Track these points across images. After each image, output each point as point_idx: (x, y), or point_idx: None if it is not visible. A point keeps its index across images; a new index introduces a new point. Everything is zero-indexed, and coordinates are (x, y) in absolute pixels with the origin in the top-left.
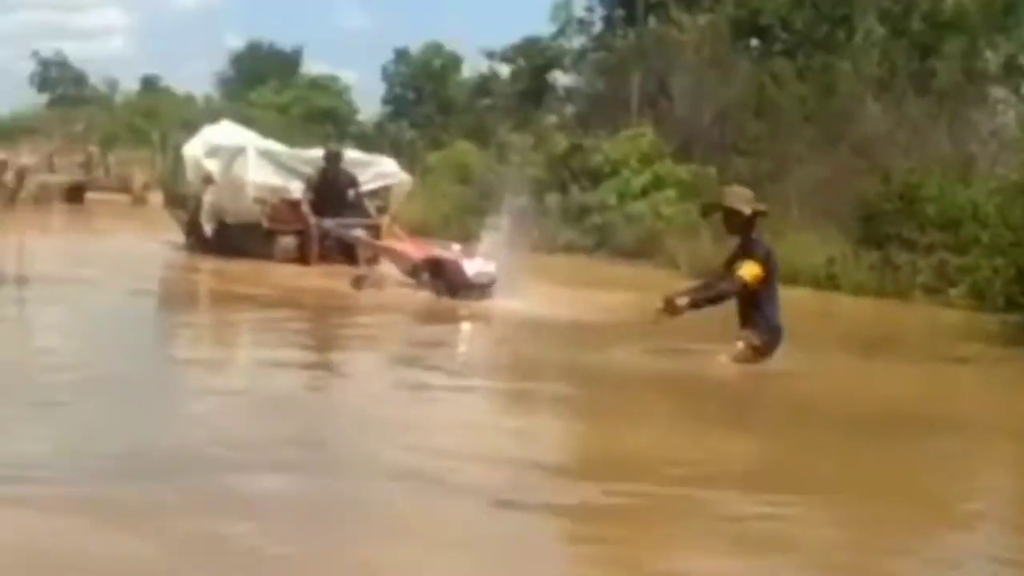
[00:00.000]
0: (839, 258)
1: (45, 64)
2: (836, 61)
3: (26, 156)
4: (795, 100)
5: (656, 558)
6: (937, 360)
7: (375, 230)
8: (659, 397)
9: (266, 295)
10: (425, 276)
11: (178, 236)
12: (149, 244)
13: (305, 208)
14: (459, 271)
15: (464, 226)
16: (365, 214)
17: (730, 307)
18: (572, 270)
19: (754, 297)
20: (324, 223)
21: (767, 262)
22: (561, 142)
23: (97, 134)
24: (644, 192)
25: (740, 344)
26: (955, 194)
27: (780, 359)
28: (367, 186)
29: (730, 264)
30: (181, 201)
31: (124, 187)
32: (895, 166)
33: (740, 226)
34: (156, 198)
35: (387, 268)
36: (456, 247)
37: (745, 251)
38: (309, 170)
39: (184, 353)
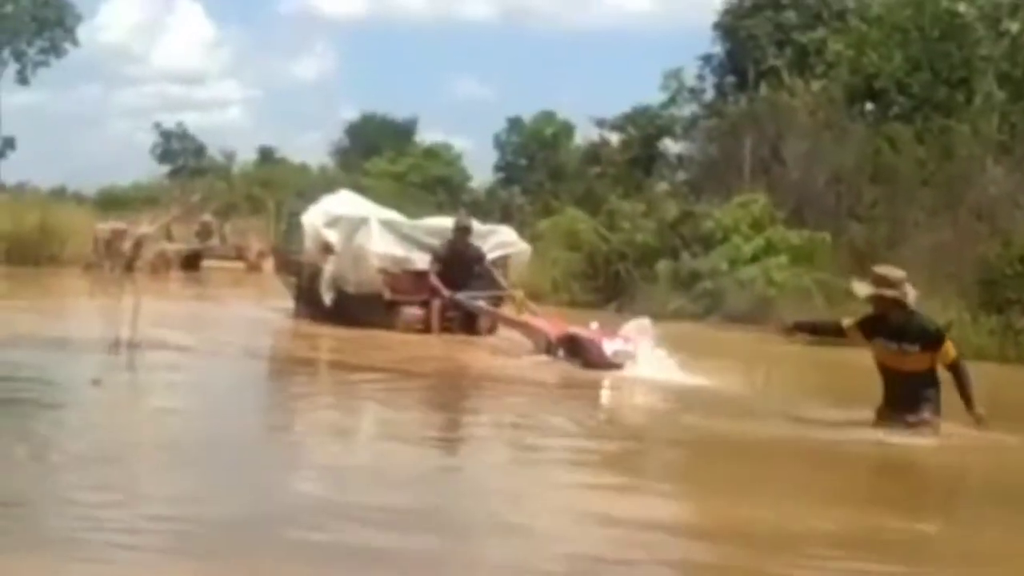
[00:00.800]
0: (957, 322)
1: (166, 135)
2: (954, 124)
3: (144, 225)
4: (912, 164)
5: None
6: None
7: (498, 302)
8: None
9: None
10: (560, 353)
11: (288, 302)
12: (261, 311)
13: (434, 280)
14: (598, 350)
15: (571, 291)
16: (496, 286)
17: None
18: (691, 338)
19: (933, 376)
20: (456, 295)
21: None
22: (672, 208)
23: (214, 204)
24: (755, 258)
25: (927, 421)
26: None
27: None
28: (488, 256)
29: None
30: (294, 268)
31: (240, 255)
32: (1016, 230)
33: (897, 307)
34: (271, 266)
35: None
36: (594, 325)
37: (912, 324)
38: (431, 240)
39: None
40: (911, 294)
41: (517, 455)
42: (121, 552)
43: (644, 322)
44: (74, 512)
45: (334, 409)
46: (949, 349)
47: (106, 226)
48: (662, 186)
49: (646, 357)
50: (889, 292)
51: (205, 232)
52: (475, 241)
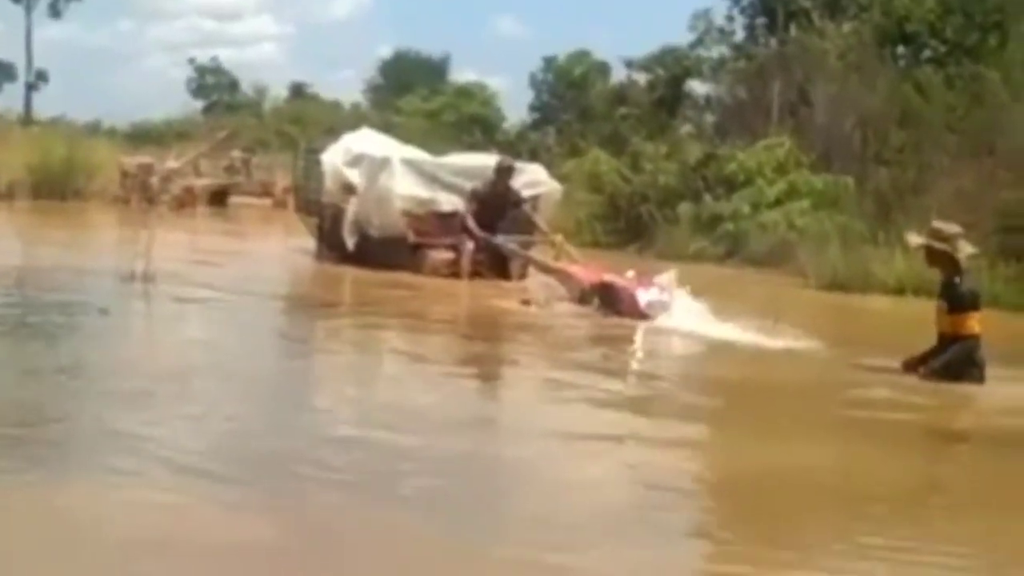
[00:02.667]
0: (975, 268)
1: (201, 71)
2: (986, 70)
3: (172, 160)
4: (941, 109)
5: None
6: None
7: (529, 246)
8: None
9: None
10: (596, 302)
11: (310, 243)
12: (283, 250)
13: (470, 221)
14: (632, 300)
15: (594, 233)
16: (533, 230)
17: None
18: (713, 281)
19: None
20: (495, 239)
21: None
22: (695, 151)
23: (243, 139)
24: (778, 201)
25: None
26: None
27: None
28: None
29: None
30: (315, 208)
31: (266, 191)
32: None
33: (947, 262)
34: None
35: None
36: (631, 274)
37: (951, 283)
38: (457, 180)
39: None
40: (964, 251)
41: (546, 399)
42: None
43: (672, 275)
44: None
45: (347, 346)
46: (970, 321)
47: (132, 160)
48: (686, 128)
49: (682, 308)
50: (939, 245)
51: (233, 168)
52: None
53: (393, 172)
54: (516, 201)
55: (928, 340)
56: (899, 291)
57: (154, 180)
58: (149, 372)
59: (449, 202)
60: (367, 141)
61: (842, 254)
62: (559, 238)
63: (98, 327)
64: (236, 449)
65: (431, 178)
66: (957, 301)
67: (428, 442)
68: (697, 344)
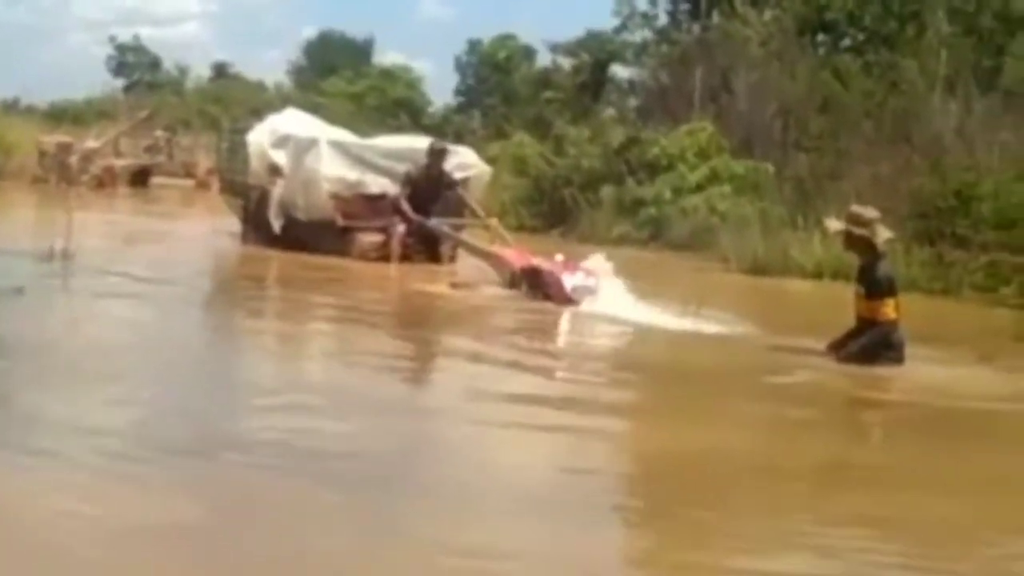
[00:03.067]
0: (890, 253)
1: (122, 49)
2: (903, 59)
3: (92, 140)
4: (859, 96)
5: None
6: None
7: (460, 229)
8: None
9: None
10: (524, 286)
11: (234, 224)
12: (204, 230)
13: (404, 204)
14: (558, 285)
15: (519, 216)
16: (467, 213)
17: None
18: (640, 265)
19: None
20: (429, 222)
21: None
22: (618, 135)
23: (165, 119)
24: (700, 187)
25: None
26: (1011, 193)
27: None
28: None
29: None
30: (240, 189)
31: (188, 172)
32: (957, 165)
33: (864, 247)
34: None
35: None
36: (560, 258)
37: (869, 267)
38: (385, 162)
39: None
40: (882, 236)
41: (468, 385)
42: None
43: (601, 259)
44: None
45: (267, 329)
46: (886, 308)
47: (51, 139)
48: (610, 112)
49: (609, 292)
50: (858, 230)
51: (155, 148)
52: None
53: (320, 154)
54: (449, 184)
55: (847, 323)
56: (817, 275)
57: (73, 160)
58: (66, 352)
59: (377, 184)
60: (293, 122)
61: (762, 239)
62: (494, 221)
63: (13, 307)
64: (155, 429)
65: (359, 160)
66: (875, 287)
67: (349, 424)
68: (621, 329)
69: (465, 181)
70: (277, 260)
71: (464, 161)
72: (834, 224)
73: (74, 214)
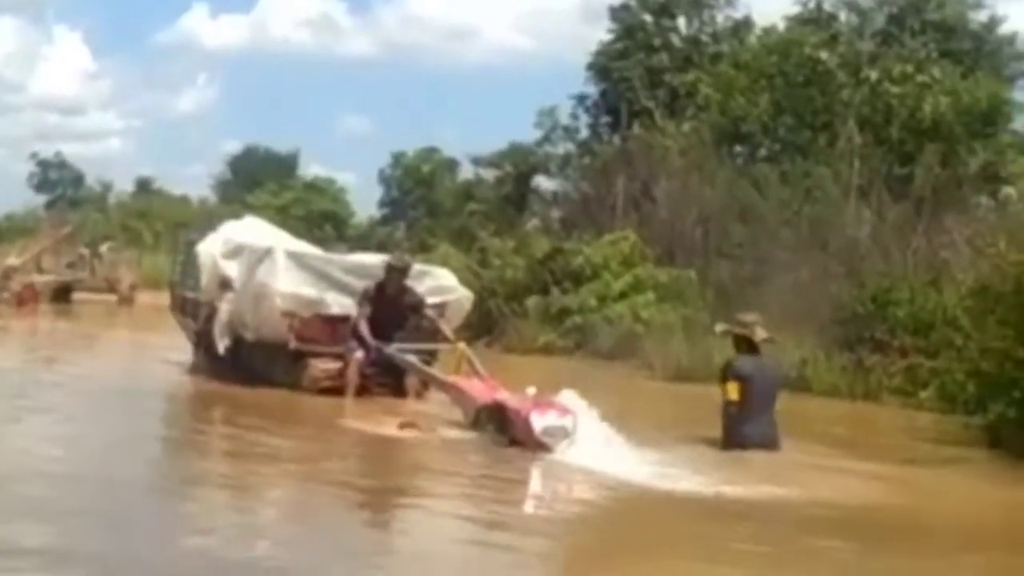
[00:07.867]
0: (811, 360)
1: (44, 165)
2: (817, 167)
3: (13, 257)
4: (776, 205)
5: None
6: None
7: (431, 358)
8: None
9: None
10: (489, 427)
11: (184, 349)
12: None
13: (362, 326)
14: (525, 425)
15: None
16: (437, 339)
17: None
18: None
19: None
20: (387, 348)
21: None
22: (542, 245)
23: (88, 235)
24: (624, 294)
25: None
26: (926, 299)
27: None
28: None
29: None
30: (191, 308)
31: (111, 287)
32: (873, 270)
33: (745, 345)
34: (144, 298)
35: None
36: (531, 391)
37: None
38: (350, 279)
39: None
40: (759, 335)
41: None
42: None
43: (574, 394)
44: None
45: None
46: (727, 388)
47: None
48: (534, 223)
49: (587, 433)
50: (738, 330)
51: (78, 263)
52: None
53: (275, 266)
54: (415, 306)
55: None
56: None
57: None
58: None
59: (339, 304)
60: (250, 230)
61: (686, 345)
62: (461, 345)
63: None
64: None
65: (320, 275)
66: (721, 373)
67: None
68: (602, 491)
69: (442, 306)
70: (198, 394)
71: (441, 284)
72: (720, 326)
73: None
